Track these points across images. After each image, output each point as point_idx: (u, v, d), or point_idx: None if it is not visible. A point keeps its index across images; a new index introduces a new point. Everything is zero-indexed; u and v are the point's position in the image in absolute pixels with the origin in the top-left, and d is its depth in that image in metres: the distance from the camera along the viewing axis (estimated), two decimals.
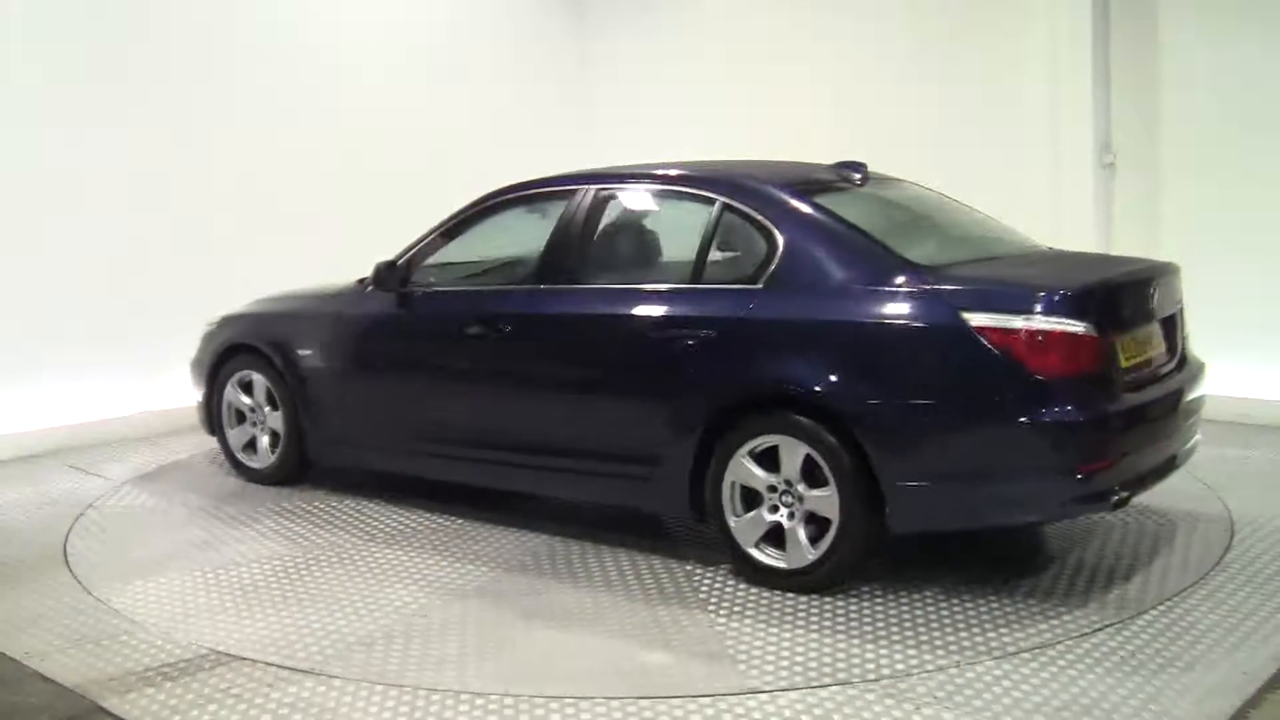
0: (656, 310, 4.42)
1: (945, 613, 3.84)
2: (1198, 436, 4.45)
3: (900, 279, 4.02)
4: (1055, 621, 3.73)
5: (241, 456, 5.91)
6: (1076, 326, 3.80)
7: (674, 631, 3.75)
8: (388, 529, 5.01)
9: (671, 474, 4.29)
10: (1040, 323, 3.78)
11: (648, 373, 4.41)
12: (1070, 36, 7.39)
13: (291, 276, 7.93)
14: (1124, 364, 3.97)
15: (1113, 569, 4.27)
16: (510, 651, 3.63)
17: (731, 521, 4.17)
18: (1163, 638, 3.58)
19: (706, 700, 3.21)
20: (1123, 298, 4.20)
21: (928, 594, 4.01)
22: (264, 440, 5.79)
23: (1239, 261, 6.90)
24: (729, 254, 4.48)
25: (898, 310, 3.96)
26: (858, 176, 4.81)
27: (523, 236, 5.16)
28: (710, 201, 4.47)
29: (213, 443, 6.11)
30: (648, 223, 5.00)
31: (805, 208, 4.34)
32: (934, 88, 8.21)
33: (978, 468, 3.87)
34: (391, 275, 5.24)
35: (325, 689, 3.35)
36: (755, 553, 4.12)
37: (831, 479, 3.93)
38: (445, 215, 5.38)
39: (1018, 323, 3.78)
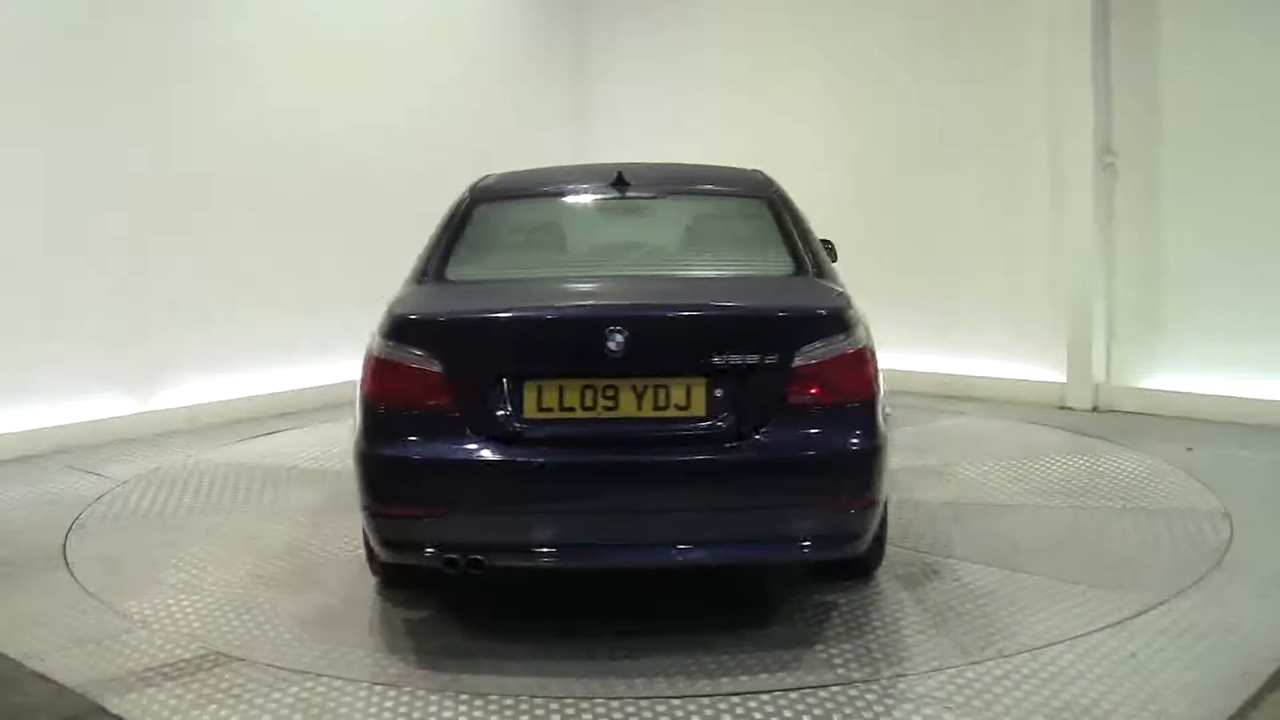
0: None
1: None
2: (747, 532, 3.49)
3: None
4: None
5: None
6: (400, 355, 3.48)
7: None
8: None
9: None
10: (376, 347, 3.57)
11: None
12: (1070, 37, 7.41)
13: (292, 277, 7.97)
14: (533, 413, 3.44)
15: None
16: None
17: None
18: (1162, 638, 3.58)
19: (706, 700, 3.21)
20: (531, 333, 3.61)
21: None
22: None
23: (1238, 260, 6.92)
24: None
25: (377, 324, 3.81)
26: (611, 185, 4.45)
27: None
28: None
29: (209, 442, 6.10)
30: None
31: (460, 216, 4.35)
32: (934, 88, 8.23)
33: None
34: None
35: (325, 689, 3.35)
36: None
37: None
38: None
39: (373, 344, 3.61)
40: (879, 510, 3.60)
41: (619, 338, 3.40)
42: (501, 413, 3.44)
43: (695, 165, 5.26)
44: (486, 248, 4.32)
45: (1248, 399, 6.79)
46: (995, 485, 5.49)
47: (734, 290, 3.97)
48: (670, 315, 3.63)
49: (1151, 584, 4.06)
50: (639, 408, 3.45)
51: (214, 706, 3.25)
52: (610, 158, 6.83)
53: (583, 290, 3.98)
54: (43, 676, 3.50)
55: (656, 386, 3.45)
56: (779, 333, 3.53)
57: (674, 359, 3.49)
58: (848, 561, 3.92)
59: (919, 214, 8.39)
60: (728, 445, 3.43)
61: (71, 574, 4.50)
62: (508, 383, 3.46)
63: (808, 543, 3.50)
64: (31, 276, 6.73)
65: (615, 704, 3.21)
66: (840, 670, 3.40)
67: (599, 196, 4.53)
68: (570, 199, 4.66)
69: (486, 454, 3.42)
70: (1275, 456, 5.99)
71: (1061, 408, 7.50)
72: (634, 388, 3.45)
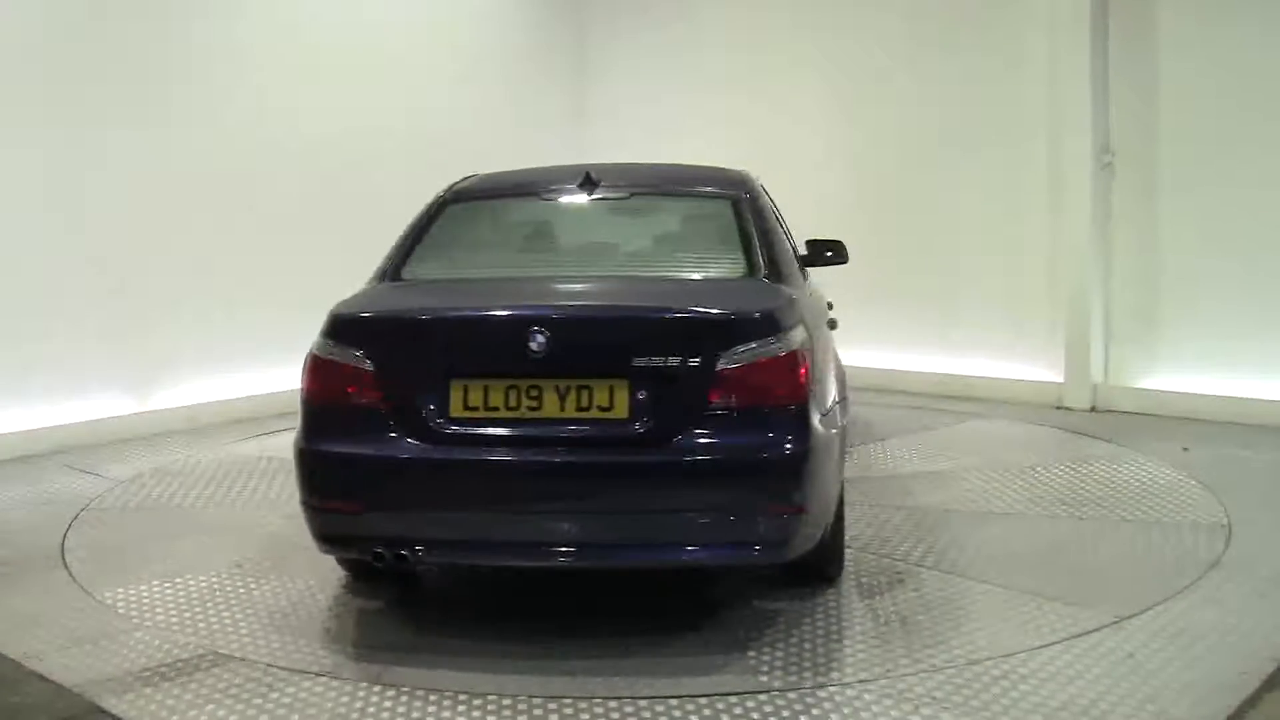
0: None
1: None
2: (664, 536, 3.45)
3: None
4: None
5: None
6: (335, 354, 3.59)
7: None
8: None
9: None
10: (315, 345, 3.68)
11: None
12: (1069, 36, 7.41)
13: (292, 277, 7.96)
14: (459, 412, 3.46)
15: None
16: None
17: None
18: (1160, 637, 3.58)
19: (704, 701, 3.21)
20: (456, 333, 3.64)
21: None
22: None
23: (1237, 258, 6.92)
24: None
25: None
26: (579, 185, 4.48)
27: None
28: None
29: (209, 442, 6.10)
30: None
31: (428, 216, 4.46)
32: (934, 88, 8.23)
33: None
34: None
35: (324, 689, 3.35)
36: None
37: None
38: None
39: (314, 342, 3.69)
40: (811, 518, 3.50)
41: (540, 339, 3.42)
42: (428, 411, 3.48)
43: (671, 166, 5.27)
44: (447, 248, 4.39)
45: (1246, 399, 6.79)
46: (990, 491, 5.44)
47: (661, 292, 3.91)
48: (590, 317, 3.67)
49: (1150, 583, 4.04)
50: (562, 409, 3.45)
51: (212, 706, 3.25)
52: (610, 157, 6.83)
53: (510, 291, 3.97)
54: (41, 676, 3.50)
55: (579, 388, 3.45)
56: (701, 335, 3.48)
57: (595, 360, 3.48)
58: (806, 568, 3.92)
59: (918, 214, 8.39)
60: (646, 448, 3.41)
61: (70, 574, 4.50)
62: (435, 382, 3.50)
63: (730, 548, 3.47)
64: (31, 276, 6.72)
65: (613, 704, 3.21)
66: (764, 678, 3.36)
67: (566, 197, 4.57)
68: (538, 200, 4.68)
69: (412, 452, 3.48)
70: (1274, 456, 5.99)
71: (1059, 408, 7.50)
72: (557, 388, 3.45)
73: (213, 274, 7.59)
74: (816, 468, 3.48)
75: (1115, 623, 3.69)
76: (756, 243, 4.16)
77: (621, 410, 3.42)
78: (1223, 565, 4.24)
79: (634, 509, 3.46)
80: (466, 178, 4.90)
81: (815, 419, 3.50)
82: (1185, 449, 6.13)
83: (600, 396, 3.43)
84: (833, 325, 4.65)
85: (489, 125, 9.27)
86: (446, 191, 4.68)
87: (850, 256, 5.22)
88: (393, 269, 4.23)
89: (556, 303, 3.76)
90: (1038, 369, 7.74)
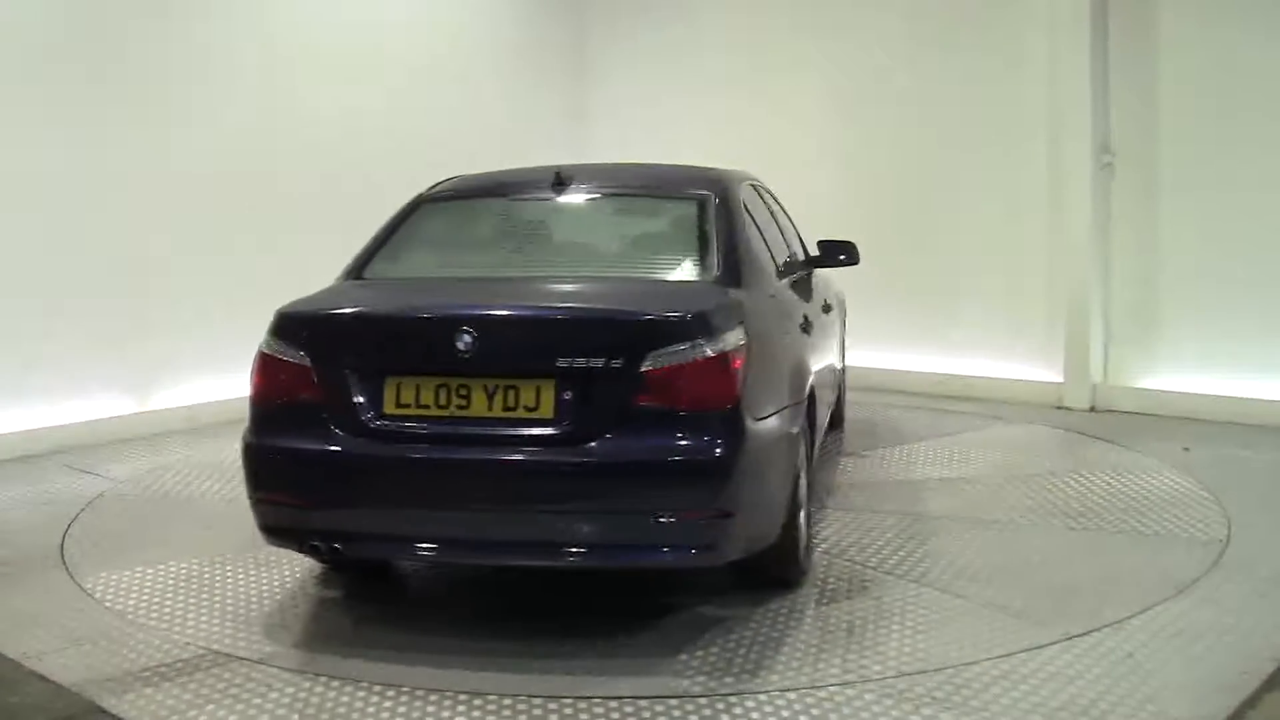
0: None
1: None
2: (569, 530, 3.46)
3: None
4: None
5: None
6: (279, 352, 3.70)
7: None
8: None
9: None
10: (262, 342, 3.76)
11: None
12: (1069, 36, 7.41)
13: (292, 277, 7.94)
14: (392, 409, 3.53)
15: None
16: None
17: None
18: (1160, 637, 3.58)
19: (704, 701, 3.21)
20: (388, 332, 3.75)
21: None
22: None
23: (1237, 259, 6.92)
24: None
25: None
26: (550, 186, 4.52)
27: None
28: None
29: (208, 442, 6.09)
30: None
31: (400, 216, 4.56)
32: (934, 88, 8.24)
33: None
34: None
35: (324, 689, 3.35)
36: None
37: None
38: None
39: (262, 340, 3.80)
40: (742, 522, 3.47)
41: (467, 338, 3.46)
42: (363, 408, 3.56)
43: (647, 166, 5.26)
44: (412, 247, 4.42)
45: (1246, 399, 6.79)
46: (987, 497, 5.37)
47: (589, 293, 3.92)
48: (514, 317, 3.67)
49: (1149, 583, 4.04)
50: (489, 408, 3.49)
51: (211, 706, 3.25)
52: (611, 158, 6.83)
53: (445, 290, 4.03)
54: (40, 676, 3.50)
55: (507, 387, 3.48)
56: (625, 336, 3.48)
57: (521, 360, 3.52)
58: (761, 574, 3.94)
59: (918, 214, 8.39)
60: (567, 448, 3.41)
61: (69, 573, 4.50)
62: (371, 379, 3.57)
63: (659, 550, 3.47)
64: (31, 276, 6.72)
65: (613, 704, 3.21)
66: (684, 682, 3.32)
67: (535, 198, 4.58)
68: (506, 200, 4.69)
69: (345, 447, 3.56)
70: (1274, 457, 5.99)
71: (1059, 408, 7.50)
72: (485, 388, 3.50)
73: (213, 274, 7.59)
74: (748, 471, 3.46)
75: (1114, 623, 3.69)
76: (715, 244, 4.09)
77: (547, 410, 3.45)
78: (1222, 565, 4.25)
79: (559, 509, 3.48)
80: (449, 178, 4.91)
81: (750, 422, 3.48)
82: (1185, 449, 6.13)
83: (526, 396, 3.47)
84: (806, 329, 4.59)
85: (490, 126, 9.27)
86: (422, 192, 4.72)
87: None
88: (356, 267, 4.30)
89: (483, 302, 3.73)
90: (1037, 369, 7.74)
